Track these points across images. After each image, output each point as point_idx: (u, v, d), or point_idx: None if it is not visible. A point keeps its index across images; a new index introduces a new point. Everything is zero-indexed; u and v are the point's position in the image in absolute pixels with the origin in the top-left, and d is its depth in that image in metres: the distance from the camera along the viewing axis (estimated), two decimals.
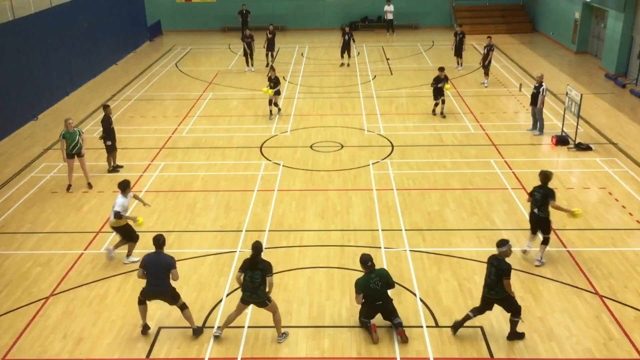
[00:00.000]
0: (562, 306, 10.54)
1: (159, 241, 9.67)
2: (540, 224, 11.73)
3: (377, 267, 9.88)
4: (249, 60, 26.72)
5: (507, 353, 9.47)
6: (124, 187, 11.84)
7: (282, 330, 9.89)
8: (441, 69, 20.08)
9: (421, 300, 10.77)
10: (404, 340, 9.67)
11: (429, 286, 11.17)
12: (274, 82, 20.04)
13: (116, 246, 12.12)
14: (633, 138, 18.13)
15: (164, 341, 9.87)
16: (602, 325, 10.05)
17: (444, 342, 9.71)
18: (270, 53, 27.68)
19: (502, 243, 9.55)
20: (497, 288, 9.52)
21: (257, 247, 9.50)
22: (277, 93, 20.35)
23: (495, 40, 24.53)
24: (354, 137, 18.71)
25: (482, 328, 10.03)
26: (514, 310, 9.66)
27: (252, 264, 9.43)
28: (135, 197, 12.43)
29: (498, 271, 9.43)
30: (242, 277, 9.52)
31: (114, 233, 12.25)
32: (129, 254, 12.11)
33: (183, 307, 9.92)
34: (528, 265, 11.70)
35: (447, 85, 19.87)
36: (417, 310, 10.50)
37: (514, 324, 9.75)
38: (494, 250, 11.92)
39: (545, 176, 11.68)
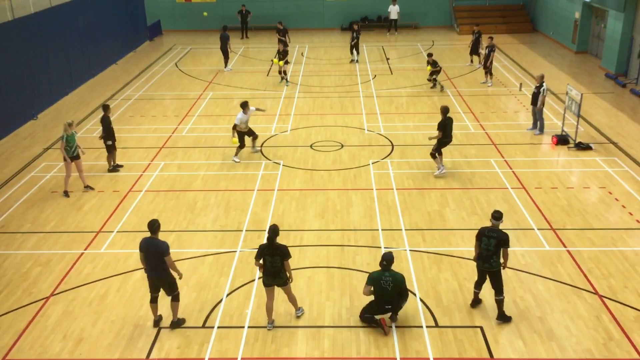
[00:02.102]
0: (562, 306, 10.54)
1: (153, 226, 9.74)
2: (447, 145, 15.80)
3: (399, 272, 9.98)
4: (226, 60, 27.05)
5: (507, 353, 9.47)
6: (245, 105, 16.51)
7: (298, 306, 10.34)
8: (429, 55, 23.35)
9: (421, 300, 10.77)
10: (385, 331, 9.89)
11: (429, 286, 11.17)
12: (283, 54, 23.79)
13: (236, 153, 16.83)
14: (633, 137, 18.13)
15: (164, 341, 9.87)
16: (602, 326, 10.05)
17: (444, 342, 9.71)
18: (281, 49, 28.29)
19: (500, 215, 9.92)
20: (493, 260, 9.89)
21: (274, 230, 9.67)
22: (286, 63, 24.09)
23: (495, 40, 24.53)
24: (354, 136, 18.70)
25: (481, 328, 10.03)
26: (499, 288, 9.95)
27: (270, 249, 9.62)
28: (258, 109, 17.55)
29: (499, 242, 9.77)
30: (261, 262, 9.77)
31: None
32: (236, 154, 16.92)
33: (175, 298, 10.02)
34: (528, 265, 11.70)
35: (428, 67, 23.24)
36: (417, 310, 10.50)
37: (500, 303, 10.01)
38: None
39: (448, 109, 15.50)
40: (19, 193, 15.32)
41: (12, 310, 10.73)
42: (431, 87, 23.41)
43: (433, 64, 22.99)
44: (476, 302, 10.50)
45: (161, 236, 12.89)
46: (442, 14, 36.22)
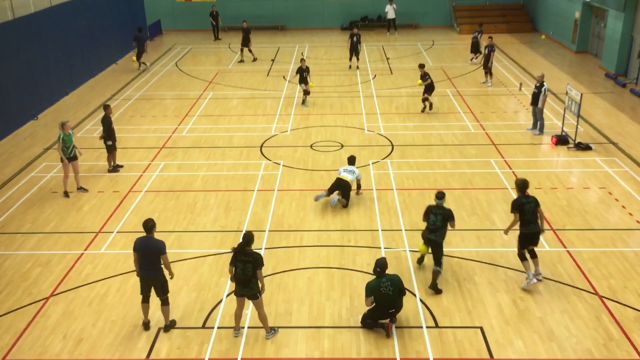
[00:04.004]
0: (562, 306, 10.54)
1: (148, 225, 9.81)
2: (536, 238, 10.99)
3: (393, 274, 9.94)
4: (141, 58, 27.14)
5: (507, 353, 9.48)
6: (354, 160, 14.66)
7: (270, 326, 9.98)
8: (421, 66, 20.79)
9: (421, 300, 10.78)
10: (388, 334, 9.84)
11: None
12: (307, 71, 21.41)
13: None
14: (633, 138, 18.13)
15: (164, 341, 9.88)
16: (602, 326, 10.05)
17: (444, 342, 9.72)
18: (243, 48, 28.22)
19: (442, 195, 11.14)
20: (439, 232, 10.89)
21: (246, 237, 9.51)
22: (306, 83, 21.57)
23: (495, 40, 24.56)
24: (354, 136, 18.70)
25: (481, 328, 10.04)
26: (439, 259, 10.89)
27: (242, 255, 9.43)
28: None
29: (445, 217, 10.89)
30: (233, 270, 9.58)
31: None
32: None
33: (165, 302, 10.03)
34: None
35: (418, 81, 20.76)
36: (417, 310, 10.50)
37: (436, 274, 10.86)
38: (493, 251, 11.99)
39: (525, 184, 11.12)
40: (19, 193, 15.32)
41: (12, 310, 10.73)
42: (422, 110, 20.57)
43: (423, 76, 20.27)
44: (434, 285, 10.98)
45: (161, 236, 12.90)
46: (442, 14, 36.22)
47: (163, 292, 9.95)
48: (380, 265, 9.74)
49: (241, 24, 28.76)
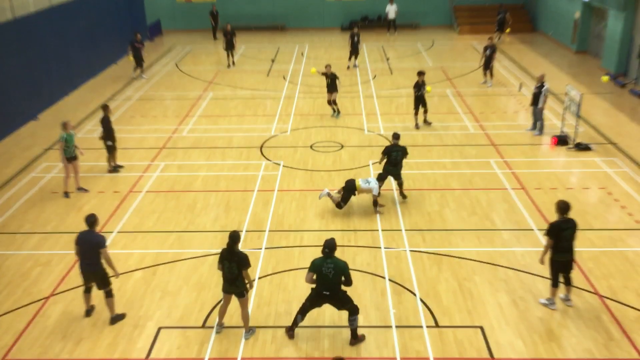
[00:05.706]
0: (562, 306, 10.54)
1: (89, 220, 10.08)
2: (569, 266, 10.30)
3: (341, 260, 9.58)
4: (140, 66, 25.84)
5: (507, 353, 9.48)
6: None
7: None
8: (420, 73, 18.77)
9: (421, 300, 10.78)
10: (351, 343, 9.69)
11: (429, 286, 11.17)
12: (331, 78, 19.95)
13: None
14: (633, 138, 18.13)
15: (164, 341, 9.88)
16: (602, 326, 10.05)
17: (444, 342, 9.72)
18: (230, 53, 27.51)
19: (399, 135, 14.40)
20: (399, 165, 14.19)
21: (232, 237, 9.59)
22: (335, 89, 20.08)
23: (495, 40, 24.53)
24: (354, 137, 18.70)
25: (482, 328, 10.04)
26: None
27: (229, 255, 9.55)
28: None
29: (403, 153, 14.20)
30: (221, 267, 9.70)
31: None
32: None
33: (108, 295, 10.24)
34: (528, 265, 11.70)
35: (428, 88, 18.68)
36: (417, 310, 10.51)
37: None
38: (493, 251, 11.99)
39: (568, 207, 10.07)
40: (19, 193, 15.32)
41: (12, 310, 10.74)
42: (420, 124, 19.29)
43: (423, 83, 18.66)
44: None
45: (161, 236, 12.93)
46: (442, 14, 36.22)
47: (104, 285, 10.18)
48: (328, 246, 9.51)
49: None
